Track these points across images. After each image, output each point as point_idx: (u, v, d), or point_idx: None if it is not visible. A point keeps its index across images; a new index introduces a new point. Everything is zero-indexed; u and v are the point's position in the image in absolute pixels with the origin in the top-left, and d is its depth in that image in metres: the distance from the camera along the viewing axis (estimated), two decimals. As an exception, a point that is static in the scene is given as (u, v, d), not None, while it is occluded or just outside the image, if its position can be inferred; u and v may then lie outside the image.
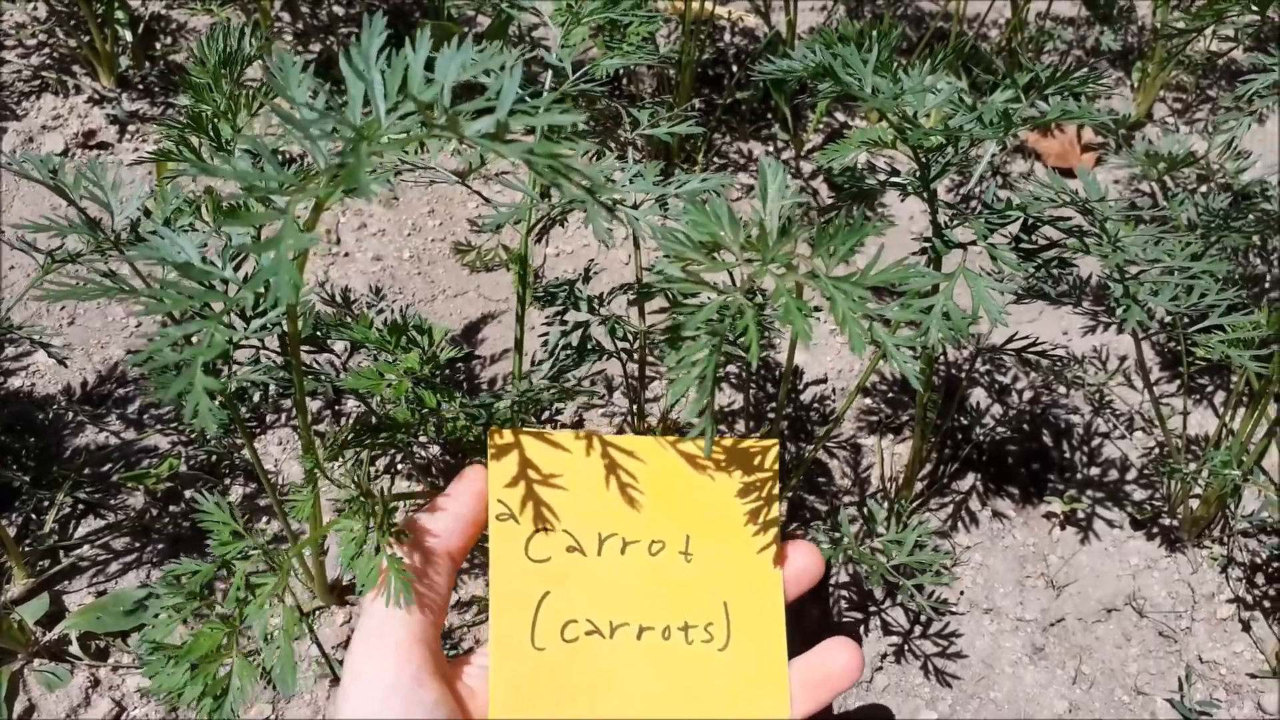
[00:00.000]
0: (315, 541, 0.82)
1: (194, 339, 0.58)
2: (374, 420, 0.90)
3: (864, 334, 0.67)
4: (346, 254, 1.49)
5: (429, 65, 0.60)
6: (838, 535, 0.97)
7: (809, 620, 1.11)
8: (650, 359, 1.00)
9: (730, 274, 0.74)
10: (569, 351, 0.92)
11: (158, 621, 0.72)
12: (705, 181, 0.89)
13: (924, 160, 0.97)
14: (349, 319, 0.93)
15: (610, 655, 0.76)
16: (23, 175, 0.73)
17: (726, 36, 1.94)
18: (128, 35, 1.72)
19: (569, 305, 0.95)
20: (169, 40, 1.81)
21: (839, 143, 1.04)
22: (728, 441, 0.81)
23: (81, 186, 0.76)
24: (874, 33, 1.18)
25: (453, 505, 0.76)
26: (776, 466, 0.81)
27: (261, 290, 0.70)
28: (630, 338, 0.96)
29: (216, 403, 0.56)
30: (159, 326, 1.31)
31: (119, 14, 1.71)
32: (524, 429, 0.79)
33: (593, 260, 1.37)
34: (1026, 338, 1.13)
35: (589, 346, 0.92)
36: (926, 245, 0.97)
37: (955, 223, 0.98)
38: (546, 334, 0.98)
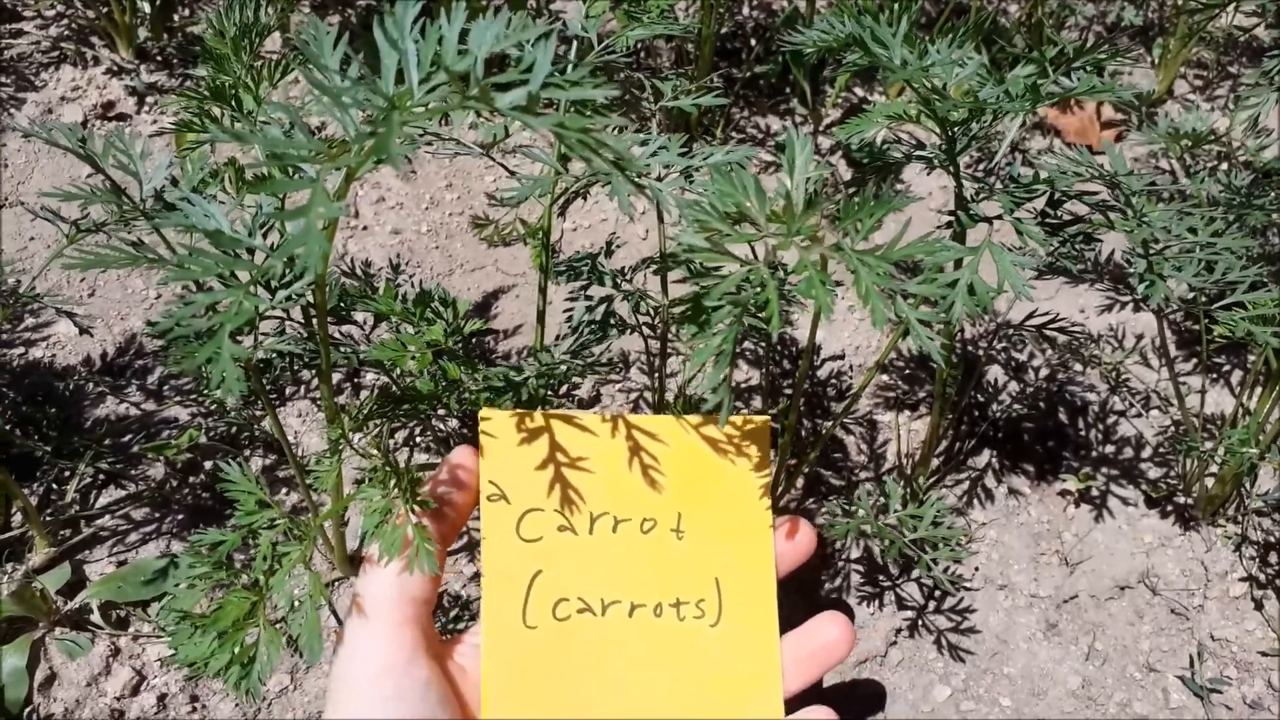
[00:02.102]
0: (337, 513, 0.82)
1: (221, 306, 0.58)
2: (397, 391, 0.90)
3: (887, 308, 0.67)
4: (365, 227, 1.49)
5: (461, 37, 0.60)
6: (854, 510, 0.97)
7: (820, 597, 1.12)
8: (670, 335, 1.00)
9: (752, 247, 0.74)
10: (592, 326, 0.92)
11: (183, 591, 0.73)
12: (730, 154, 0.88)
13: (950, 134, 0.96)
14: (371, 291, 0.93)
15: (602, 633, 0.76)
16: (52, 143, 0.73)
17: (744, 10, 1.93)
18: (146, 6, 1.71)
19: (591, 280, 0.95)
20: (187, 12, 1.80)
21: (861, 116, 1.04)
22: (713, 419, 0.81)
23: (110, 155, 0.76)
24: (895, 5, 1.17)
25: (442, 487, 0.77)
26: (769, 442, 0.81)
27: (289, 259, 0.70)
28: (652, 312, 0.96)
29: (240, 369, 0.56)
30: (181, 300, 1.31)
31: (136, -16, 1.70)
32: (513, 409, 0.79)
33: (613, 234, 1.37)
34: (1046, 314, 1.13)
35: (611, 322, 0.92)
36: (949, 220, 0.96)
37: (980, 196, 0.98)
38: (568, 309, 0.98)
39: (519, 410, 0.79)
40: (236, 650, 0.70)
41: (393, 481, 0.74)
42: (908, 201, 0.76)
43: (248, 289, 0.58)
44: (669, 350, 1.03)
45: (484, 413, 0.79)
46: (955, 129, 0.97)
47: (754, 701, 0.77)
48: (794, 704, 0.78)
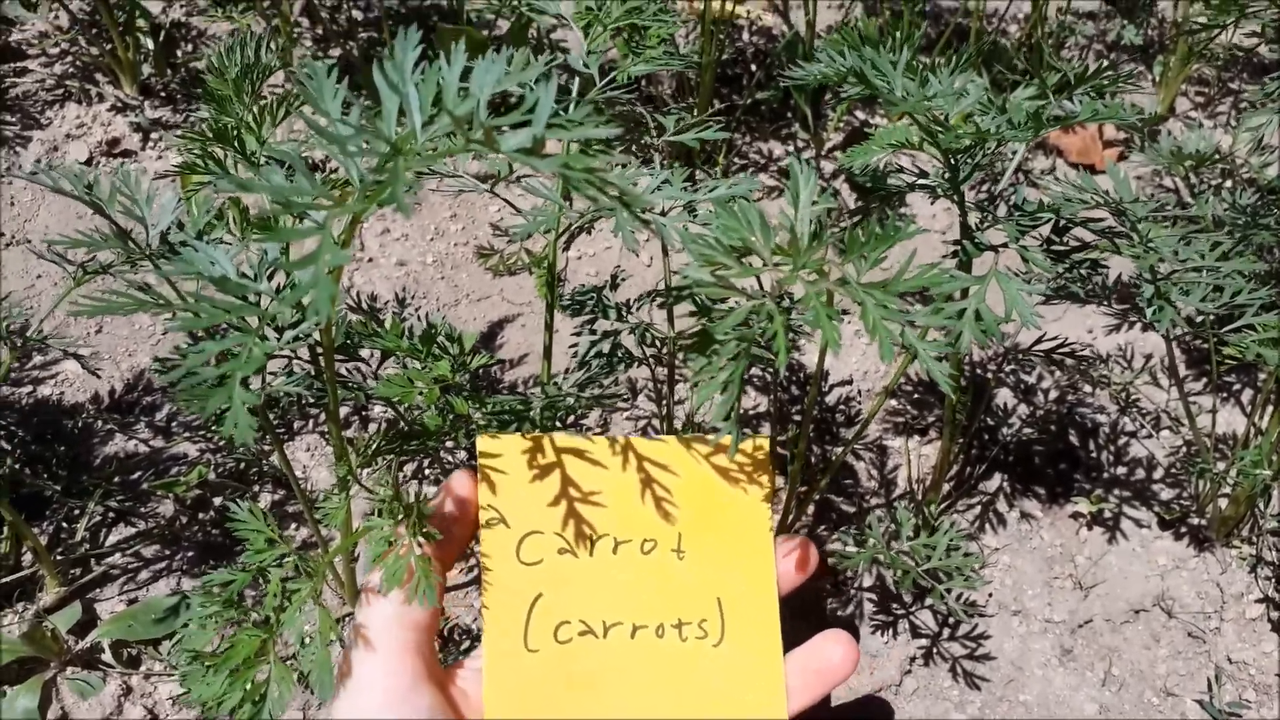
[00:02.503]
0: (346, 548, 0.82)
1: (231, 353, 0.58)
2: (405, 427, 0.90)
3: (894, 341, 0.67)
4: (370, 259, 1.49)
5: (463, 76, 0.60)
6: (866, 539, 0.97)
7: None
8: (677, 364, 1.00)
9: (758, 279, 0.74)
10: (599, 358, 0.92)
11: (193, 630, 0.73)
12: (733, 186, 0.89)
13: (953, 162, 0.96)
14: (378, 327, 0.93)
15: (604, 655, 0.76)
16: (58, 191, 0.74)
17: (745, 36, 1.94)
18: (149, 43, 1.73)
19: (597, 313, 0.95)
20: (190, 48, 1.81)
21: (865, 144, 1.04)
22: (714, 440, 0.81)
23: (116, 201, 0.76)
24: (897, 33, 1.18)
25: (441, 513, 0.77)
26: (768, 461, 0.81)
27: (298, 305, 0.70)
28: (658, 344, 0.96)
29: (253, 418, 0.56)
30: (188, 337, 1.32)
31: (140, 22, 1.72)
32: (510, 434, 0.79)
33: (619, 267, 1.37)
34: (1054, 338, 1.13)
35: (618, 355, 0.92)
36: (955, 247, 0.96)
37: (985, 225, 0.98)
38: (574, 341, 0.98)
39: (518, 435, 0.79)
40: (248, 688, 0.70)
41: (401, 514, 0.74)
42: (912, 233, 0.76)
43: (257, 334, 0.58)
44: (676, 378, 1.03)
45: (481, 438, 0.79)
46: (958, 158, 0.97)
47: None
48: None
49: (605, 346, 0.93)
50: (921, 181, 1.07)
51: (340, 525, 0.84)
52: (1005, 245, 0.94)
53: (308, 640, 0.71)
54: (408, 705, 0.70)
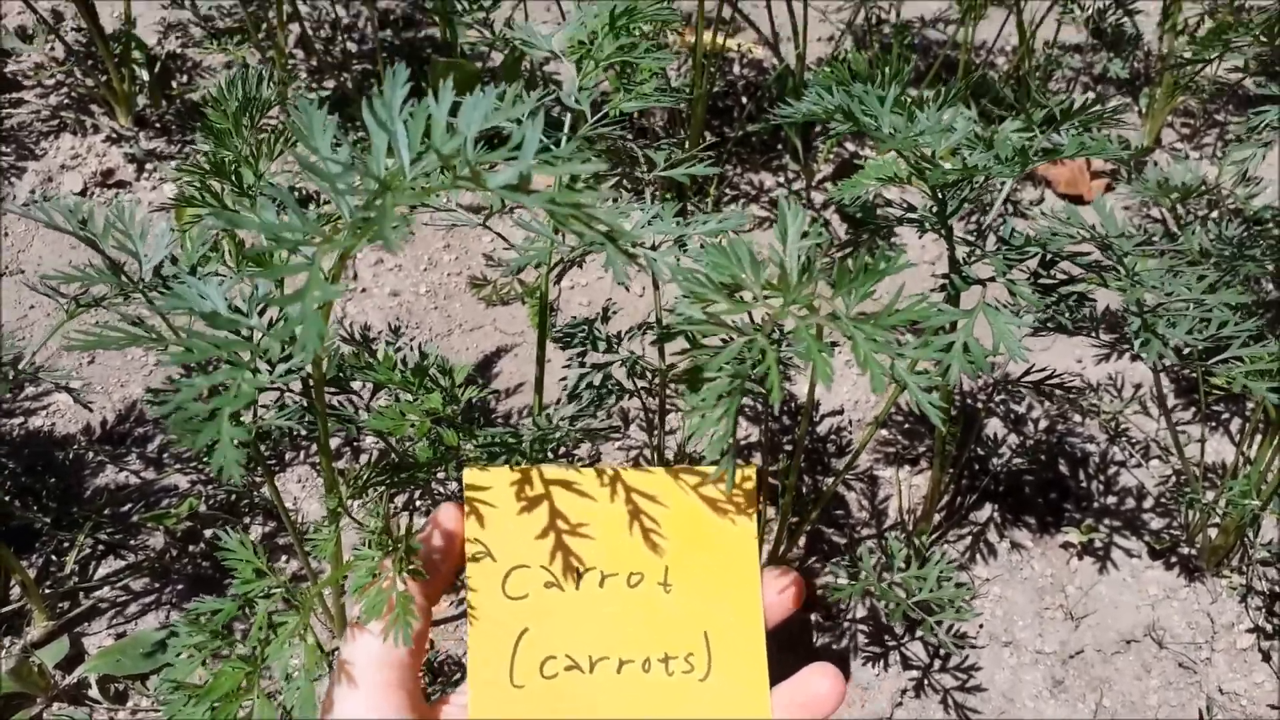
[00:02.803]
0: (336, 580, 0.82)
1: (221, 388, 0.59)
2: (396, 459, 0.90)
3: (885, 374, 0.67)
4: (364, 289, 1.50)
5: (453, 111, 0.61)
6: (857, 570, 0.97)
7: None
8: (669, 395, 1.00)
9: (750, 313, 0.74)
10: (591, 391, 0.92)
11: (179, 661, 0.72)
12: (724, 221, 0.89)
13: (941, 197, 0.97)
14: (371, 358, 0.93)
15: (591, 690, 0.76)
16: (51, 226, 0.74)
17: (736, 68, 1.96)
18: (144, 74, 1.74)
19: (588, 345, 0.95)
20: (185, 79, 1.83)
21: (854, 177, 1.05)
22: (702, 469, 0.81)
23: (110, 236, 0.76)
24: (886, 68, 1.19)
25: (429, 547, 0.76)
26: (756, 490, 0.81)
27: (288, 339, 0.71)
28: (650, 375, 0.96)
29: (240, 448, 0.57)
30: (180, 369, 1.32)
31: (136, 53, 1.73)
32: (498, 466, 0.79)
33: (610, 299, 1.38)
34: (1043, 369, 1.13)
35: (609, 388, 0.93)
36: (944, 280, 0.97)
37: (973, 259, 0.99)
38: (565, 372, 0.98)
39: (505, 467, 0.79)
40: None
41: (389, 546, 0.74)
42: (901, 266, 0.77)
43: (247, 368, 0.59)
44: (667, 409, 1.03)
45: (468, 471, 0.79)
46: (946, 193, 0.98)
47: None
48: None
49: (596, 379, 0.94)
50: (910, 215, 1.08)
51: (330, 557, 0.84)
52: (993, 279, 0.95)
53: (293, 674, 0.71)
54: None
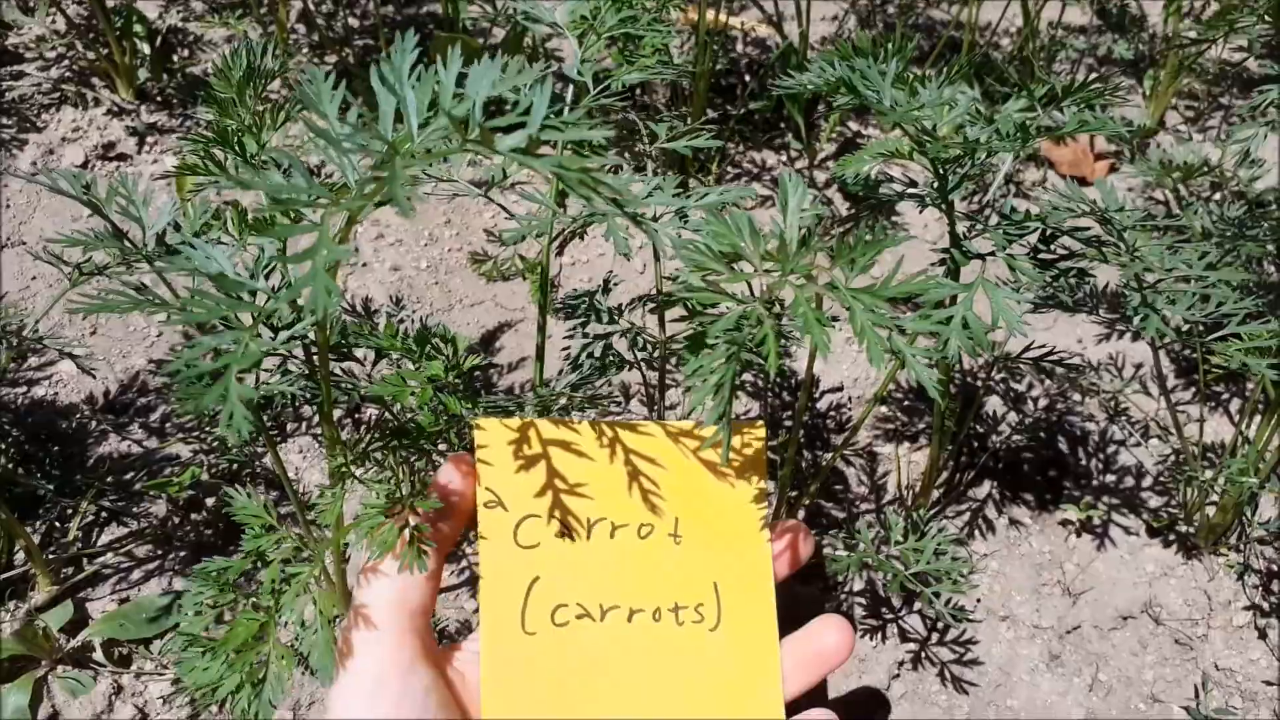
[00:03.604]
0: (343, 537, 0.83)
1: (227, 349, 0.59)
2: (398, 425, 0.91)
3: (883, 345, 0.67)
4: (365, 264, 1.50)
5: (458, 81, 0.61)
6: (855, 543, 0.98)
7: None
8: (669, 368, 1.01)
9: (749, 284, 0.75)
10: (592, 361, 0.92)
11: (190, 617, 0.73)
12: (724, 194, 0.90)
13: (942, 172, 0.97)
14: (371, 328, 0.94)
15: (601, 638, 0.77)
16: (56, 191, 0.75)
17: (739, 46, 1.95)
18: (145, 48, 1.74)
19: (589, 317, 0.96)
20: (186, 53, 1.82)
21: (855, 153, 1.05)
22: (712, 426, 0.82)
23: (114, 201, 0.77)
24: (889, 45, 1.19)
25: (438, 495, 0.77)
26: (764, 447, 0.82)
27: (296, 300, 0.71)
28: (650, 347, 0.97)
29: (249, 412, 0.57)
30: (184, 338, 1.32)
31: (137, 27, 1.73)
32: (507, 419, 0.80)
33: (611, 272, 1.38)
34: (1043, 346, 1.14)
35: (609, 359, 0.93)
36: (944, 255, 0.97)
37: (973, 233, 0.99)
38: (567, 344, 0.99)
39: (513, 420, 0.80)
40: (246, 672, 0.70)
41: (397, 490, 0.75)
42: (901, 240, 0.77)
43: (253, 331, 0.59)
44: (668, 383, 1.04)
45: (478, 422, 0.79)
46: (947, 167, 0.98)
47: (754, 705, 0.77)
48: (794, 707, 0.78)
49: (597, 349, 0.94)
50: (911, 191, 1.08)
51: (334, 521, 0.84)
52: (993, 254, 0.95)
53: (307, 624, 0.71)
54: (405, 685, 0.70)
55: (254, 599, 0.73)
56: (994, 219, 1.00)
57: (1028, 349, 1.14)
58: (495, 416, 0.90)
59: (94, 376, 1.26)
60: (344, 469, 0.79)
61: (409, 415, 0.98)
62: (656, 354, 0.97)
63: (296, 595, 0.72)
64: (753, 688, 0.77)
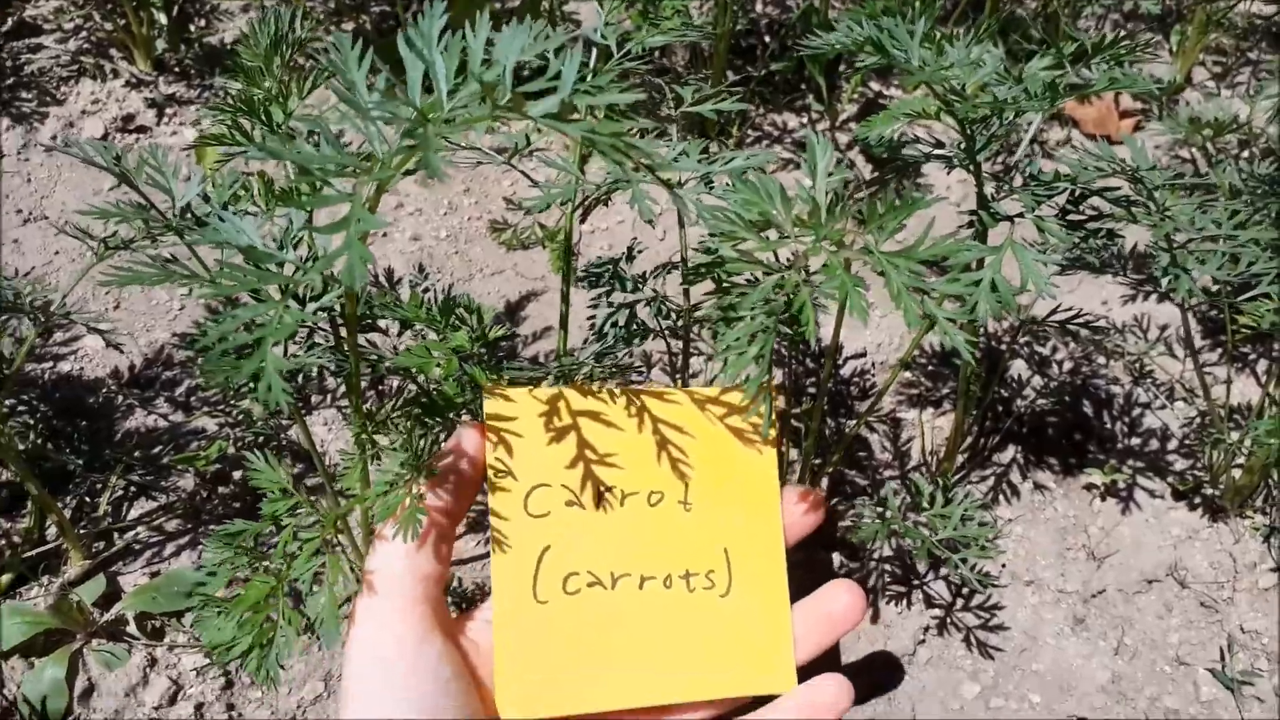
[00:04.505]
0: (363, 502, 0.83)
1: (262, 320, 0.59)
2: (425, 397, 0.91)
3: (918, 309, 0.67)
4: (385, 234, 1.50)
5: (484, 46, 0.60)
6: (882, 510, 0.97)
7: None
8: (693, 337, 1.00)
9: (774, 252, 0.74)
10: (616, 330, 0.92)
11: (210, 578, 0.74)
12: (749, 158, 0.89)
13: (970, 132, 0.96)
14: (395, 299, 0.94)
15: (613, 606, 0.77)
16: (88, 162, 0.74)
17: (758, 6, 1.93)
18: (163, 18, 1.73)
19: (613, 285, 0.95)
20: (203, 23, 1.81)
21: (881, 114, 1.04)
22: (722, 392, 0.81)
23: (143, 173, 0.76)
24: (916, 3, 1.17)
25: (448, 464, 0.77)
26: (773, 409, 0.82)
27: (329, 271, 0.71)
28: (674, 316, 0.96)
29: (285, 383, 0.57)
30: (208, 312, 1.32)
31: (154, -3, 1.72)
32: (518, 387, 0.80)
33: (635, 238, 1.37)
34: (1069, 309, 1.13)
35: (635, 326, 0.93)
36: (971, 219, 0.96)
37: (1001, 195, 0.98)
38: (589, 313, 0.98)
39: (527, 389, 0.80)
40: (255, 633, 0.71)
41: (411, 460, 0.75)
42: (932, 201, 0.76)
43: (284, 302, 0.59)
44: (691, 351, 1.03)
45: (487, 389, 0.79)
46: (975, 127, 0.97)
47: (766, 670, 0.77)
48: (807, 672, 0.78)
49: (621, 317, 0.94)
50: (937, 152, 1.07)
51: (358, 486, 0.85)
52: (1021, 215, 0.94)
53: (316, 588, 0.72)
54: (418, 653, 0.70)
55: (267, 562, 0.74)
56: (1020, 180, 0.99)
57: (1054, 312, 1.13)
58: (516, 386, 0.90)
59: (121, 351, 1.26)
60: (366, 437, 0.80)
61: (434, 386, 0.98)
62: (680, 323, 0.96)
63: (308, 559, 0.73)
64: (765, 653, 0.77)
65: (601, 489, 0.79)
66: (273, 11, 0.93)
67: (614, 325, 0.93)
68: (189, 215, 0.80)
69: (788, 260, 0.73)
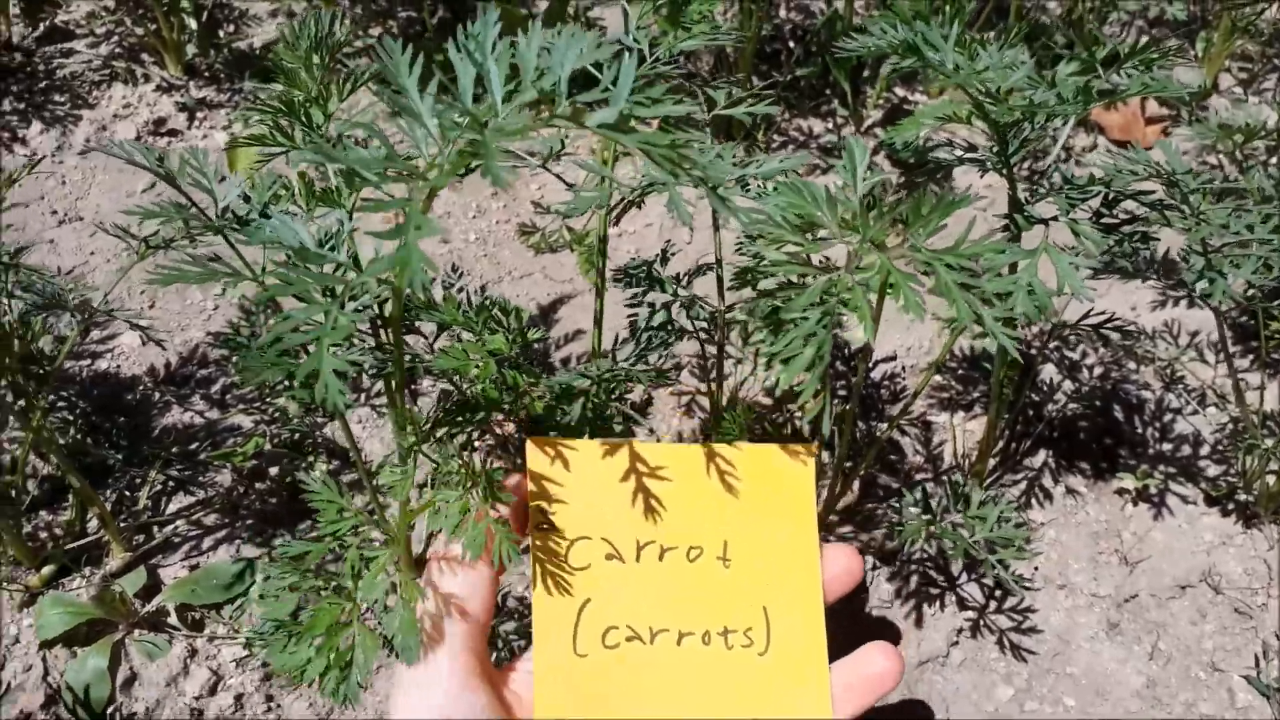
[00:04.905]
0: (416, 516, 0.84)
1: (316, 321, 0.60)
2: (469, 399, 0.92)
3: (970, 307, 0.67)
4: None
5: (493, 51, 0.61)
6: (917, 511, 0.98)
7: (867, 616, 1.12)
8: (728, 340, 1.01)
9: (807, 256, 0.74)
10: (652, 333, 0.93)
11: (274, 601, 0.74)
12: (784, 161, 0.89)
13: (1003, 136, 0.96)
14: (432, 301, 0.95)
15: (651, 661, 0.77)
16: (131, 162, 0.76)
17: (781, 12, 1.93)
18: (192, 23, 1.75)
19: (649, 287, 0.96)
20: (232, 28, 1.83)
21: (913, 117, 1.04)
22: (762, 447, 0.81)
23: (185, 173, 0.78)
24: (946, 8, 1.17)
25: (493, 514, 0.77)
26: (815, 469, 0.81)
27: (387, 275, 0.72)
28: (710, 318, 0.97)
29: (342, 384, 0.58)
30: (240, 312, 1.34)
31: (184, 2, 1.74)
32: (560, 438, 0.80)
33: (669, 241, 1.38)
34: (1101, 313, 1.13)
35: (670, 329, 0.93)
36: (1005, 220, 0.97)
37: (1035, 198, 0.98)
38: (623, 316, 0.99)
39: (564, 439, 0.80)
40: (333, 656, 0.72)
41: (469, 482, 0.76)
42: (969, 202, 0.77)
43: (340, 303, 0.60)
44: (724, 354, 1.04)
45: (531, 442, 0.79)
46: (1008, 131, 0.97)
47: None
48: None
49: (656, 319, 0.94)
50: (970, 155, 1.07)
51: (403, 497, 0.86)
52: (1055, 219, 0.95)
53: (390, 606, 0.73)
54: (462, 704, 0.71)
55: (335, 582, 0.74)
56: (1053, 182, 0.99)
57: (1085, 316, 1.13)
58: (560, 395, 0.91)
59: (163, 348, 1.28)
60: (415, 448, 0.80)
61: (468, 388, 0.99)
62: (715, 324, 0.97)
63: (375, 578, 0.73)
64: (802, 713, 0.77)
65: (641, 544, 0.79)
66: (312, 14, 0.94)
67: (650, 328, 0.93)
68: (230, 215, 0.81)
69: (821, 261, 0.74)
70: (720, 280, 0.95)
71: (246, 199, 0.81)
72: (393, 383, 0.80)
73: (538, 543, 0.78)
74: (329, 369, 0.56)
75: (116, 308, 1.12)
